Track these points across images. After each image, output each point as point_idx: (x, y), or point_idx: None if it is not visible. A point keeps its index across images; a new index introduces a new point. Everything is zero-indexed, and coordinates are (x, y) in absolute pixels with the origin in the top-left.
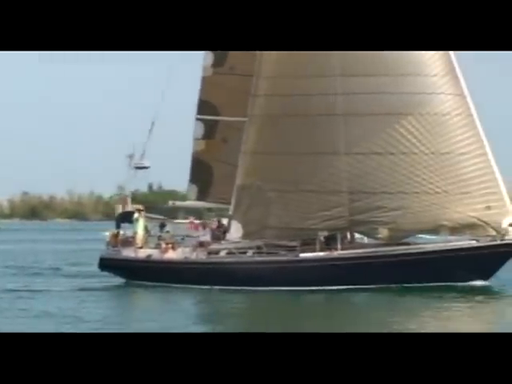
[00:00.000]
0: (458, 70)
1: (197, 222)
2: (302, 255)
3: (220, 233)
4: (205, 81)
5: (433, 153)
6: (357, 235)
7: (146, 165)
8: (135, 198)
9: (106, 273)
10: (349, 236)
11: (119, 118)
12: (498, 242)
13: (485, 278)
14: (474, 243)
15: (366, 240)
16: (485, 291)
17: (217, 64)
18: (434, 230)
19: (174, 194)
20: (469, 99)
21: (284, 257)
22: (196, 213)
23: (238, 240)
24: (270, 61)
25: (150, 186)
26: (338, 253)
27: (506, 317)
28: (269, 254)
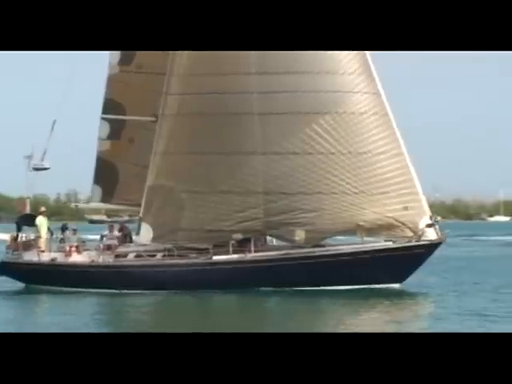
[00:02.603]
0: (372, 68)
1: None
2: (215, 258)
3: (122, 236)
4: (111, 79)
5: (350, 152)
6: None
7: (46, 166)
8: None
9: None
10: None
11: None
12: (414, 243)
13: (400, 281)
14: (389, 244)
15: (274, 242)
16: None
17: (123, 62)
18: (352, 231)
19: None
20: (384, 98)
21: (197, 259)
22: None
23: (147, 243)
24: (183, 58)
25: None
26: (251, 255)
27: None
28: (180, 256)
